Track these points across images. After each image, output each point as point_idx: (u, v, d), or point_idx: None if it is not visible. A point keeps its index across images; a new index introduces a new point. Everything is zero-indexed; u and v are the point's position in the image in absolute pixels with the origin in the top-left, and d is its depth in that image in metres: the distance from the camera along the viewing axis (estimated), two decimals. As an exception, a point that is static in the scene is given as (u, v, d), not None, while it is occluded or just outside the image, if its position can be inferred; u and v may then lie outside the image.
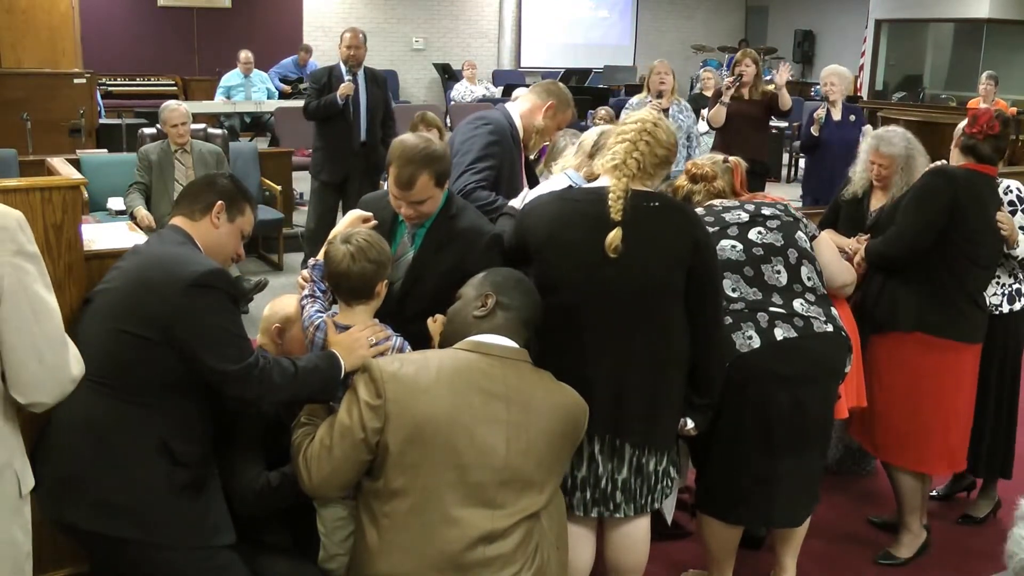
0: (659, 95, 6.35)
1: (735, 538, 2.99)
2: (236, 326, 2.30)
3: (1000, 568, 1.77)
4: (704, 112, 6.83)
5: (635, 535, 2.74)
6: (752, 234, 2.89)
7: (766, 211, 2.94)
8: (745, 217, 2.92)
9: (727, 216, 2.93)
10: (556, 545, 2.33)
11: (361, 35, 6.38)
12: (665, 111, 6.18)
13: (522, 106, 3.54)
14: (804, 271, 2.89)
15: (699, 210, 2.97)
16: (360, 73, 6.32)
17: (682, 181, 3.16)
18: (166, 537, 2.27)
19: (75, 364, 2.04)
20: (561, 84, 3.67)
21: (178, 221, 2.46)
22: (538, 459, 2.25)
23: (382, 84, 6.51)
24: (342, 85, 6.15)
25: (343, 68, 6.28)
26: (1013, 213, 3.47)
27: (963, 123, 3.37)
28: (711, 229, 2.87)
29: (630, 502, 2.66)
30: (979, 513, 3.74)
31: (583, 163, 3.06)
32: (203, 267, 2.28)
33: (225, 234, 2.48)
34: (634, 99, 6.69)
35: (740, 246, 2.87)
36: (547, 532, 2.29)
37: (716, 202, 3.04)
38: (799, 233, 2.94)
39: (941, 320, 3.23)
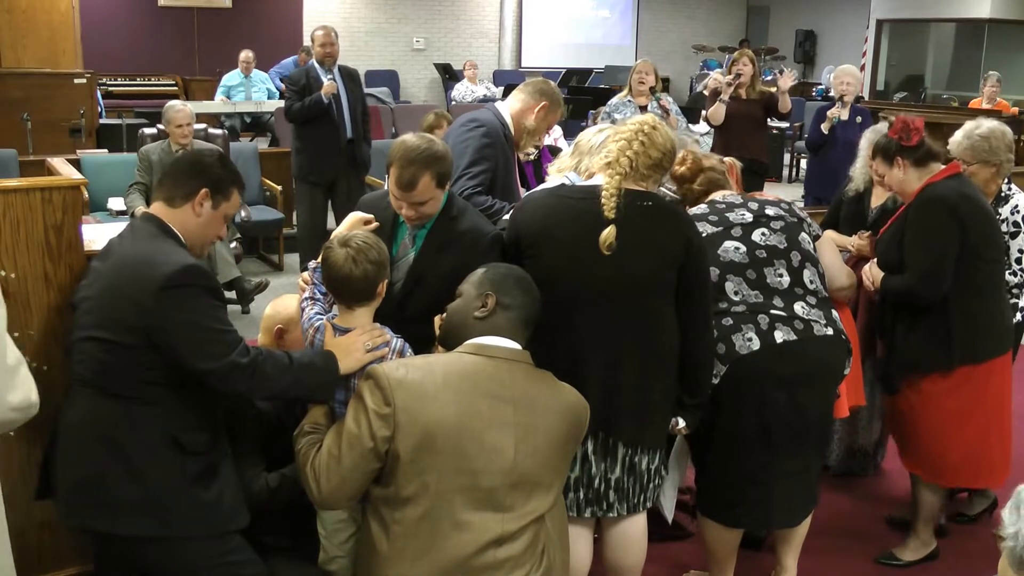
0: (658, 101, 6.24)
1: (735, 539, 2.99)
2: (215, 320, 2.24)
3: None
4: (704, 112, 6.82)
5: (632, 534, 2.74)
6: (756, 235, 2.88)
7: (770, 211, 2.92)
8: (749, 217, 2.90)
9: (731, 216, 2.91)
10: (559, 546, 2.33)
11: (333, 33, 6.37)
12: (643, 108, 6.12)
13: (513, 106, 3.49)
14: (807, 274, 2.88)
15: (703, 207, 2.96)
16: (335, 71, 6.31)
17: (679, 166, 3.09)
18: (184, 530, 2.27)
19: (17, 391, 1.92)
20: (552, 83, 3.59)
21: (156, 208, 2.37)
22: (545, 460, 2.25)
23: (357, 80, 6.50)
24: (325, 84, 6.11)
25: (319, 68, 6.25)
26: (1016, 235, 3.51)
27: (880, 147, 3.24)
28: (715, 229, 2.86)
29: (623, 501, 2.67)
30: (971, 511, 3.75)
31: (579, 163, 3.04)
32: (173, 266, 2.21)
33: (206, 221, 2.39)
34: (614, 99, 6.51)
35: (743, 248, 2.85)
36: (552, 533, 2.28)
37: (718, 197, 3.01)
38: (803, 235, 2.93)
39: (989, 342, 3.16)
